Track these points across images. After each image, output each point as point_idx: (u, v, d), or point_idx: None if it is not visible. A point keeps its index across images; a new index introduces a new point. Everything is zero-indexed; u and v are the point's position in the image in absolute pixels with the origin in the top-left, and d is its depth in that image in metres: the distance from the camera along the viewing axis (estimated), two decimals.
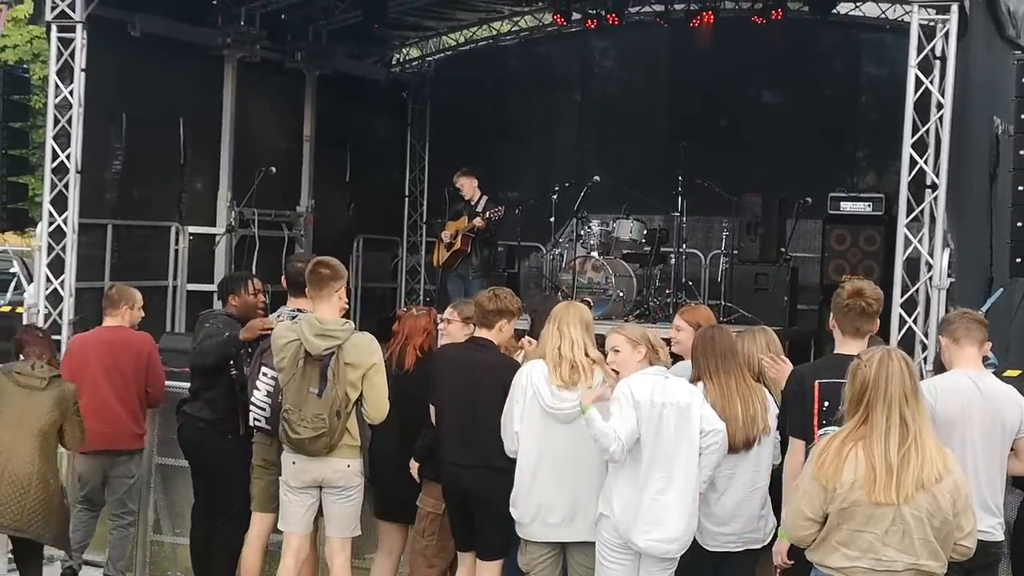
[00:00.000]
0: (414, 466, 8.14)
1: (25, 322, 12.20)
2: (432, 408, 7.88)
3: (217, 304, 13.34)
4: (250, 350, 8.53)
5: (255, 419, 8.36)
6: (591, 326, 7.50)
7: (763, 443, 7.17)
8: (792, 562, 6.87)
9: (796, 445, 6.86)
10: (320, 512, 8.05)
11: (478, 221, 14.41)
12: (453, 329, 8.27)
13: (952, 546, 5.46)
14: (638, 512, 6.89)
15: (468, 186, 14.68)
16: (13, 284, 15.02)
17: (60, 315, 12.33)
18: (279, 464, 8.17)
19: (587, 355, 7.32)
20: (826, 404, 6.66)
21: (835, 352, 6.92)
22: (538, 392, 7.30)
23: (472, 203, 14.67)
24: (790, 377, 7.11)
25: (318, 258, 8.11)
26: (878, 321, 7.02)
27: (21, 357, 8.39)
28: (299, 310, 8.42)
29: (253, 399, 8.33)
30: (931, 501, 5.34)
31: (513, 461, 7.48)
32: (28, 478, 7.96)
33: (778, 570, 7.06)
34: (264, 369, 8.24)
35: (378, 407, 7.78)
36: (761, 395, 7.24)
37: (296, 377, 7.72)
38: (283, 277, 8.88)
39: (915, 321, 10.27)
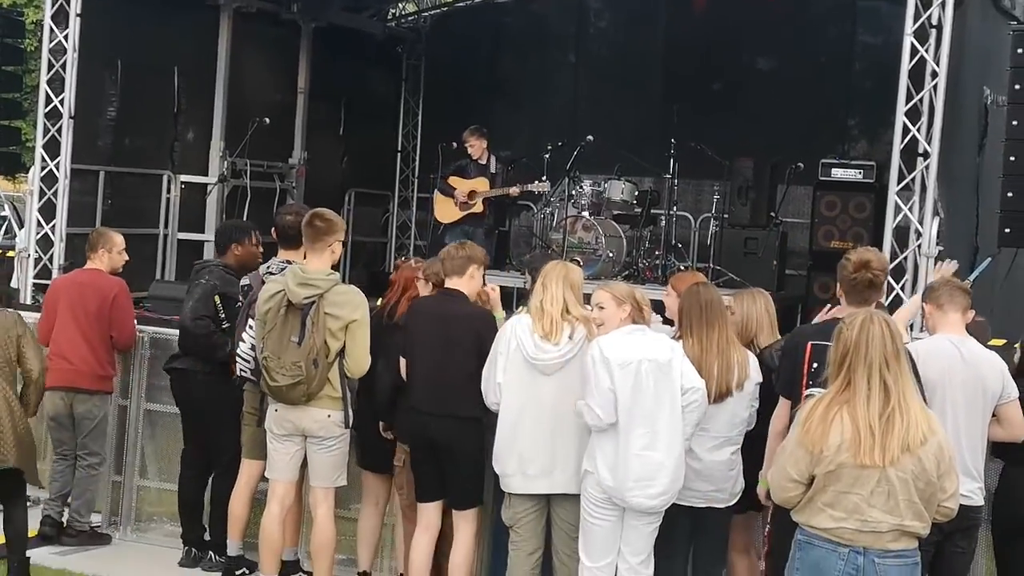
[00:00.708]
0: (384, 428, 8.19)
1: (32, 267, 12.22)
2: (403, 361, 7.90)
3: (208, 253, 13.46)
4: (241, 300, 8.58)
5: (241, 369, 8.44)
6: (576, 286, 7.51)
7: (737, 399, 7.23)
8: (768, 523, 6.97)
9: (784, 403, 6.94)
10: (305, 462, 8.12)
11: (514, 190, 14.44)
12: (420, 286, 8.27)
13: (936, 507, 5.53)
14: (624, 469, 6.96)
15: (477, 145, 14.62)
16: (3, 228, 15.02)
17: (51, 260, 12.36)
18: None
19: (568, 311, 7.36)
20: (815, 366, 6.70)
21: (835, 316, 6.95)
22: (521, 343, 7.35)
23: (483, 163, 14.64)
24: (788, 338, 7.19)
25: (315, 210, 8.11)
26: (883, 290, 7.06)
27: None
28: (288, 262, 8.44)
29: (239, 350, 8.40)
30: (916, 463, 5.41)
31: (483, 410, 7.57)
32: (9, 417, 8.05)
33: (767, 527, 7.13)
34: (251, 321, 8.28)
35: (359, 361, 7.81)
36: (742, 355, 7.30)
37: (277, 326, 7.77)
38: (273, 228, 8.88)
39: (903, 288, 10.34)
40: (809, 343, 6.80)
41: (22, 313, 8.73)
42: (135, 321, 9.69)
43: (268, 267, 8.56)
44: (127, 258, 9.78)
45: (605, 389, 6.98)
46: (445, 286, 7.91)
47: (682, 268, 14.51)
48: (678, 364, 7.01)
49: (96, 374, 9.31)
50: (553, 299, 7.38)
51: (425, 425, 7.71)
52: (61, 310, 9.33)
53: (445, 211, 14.86)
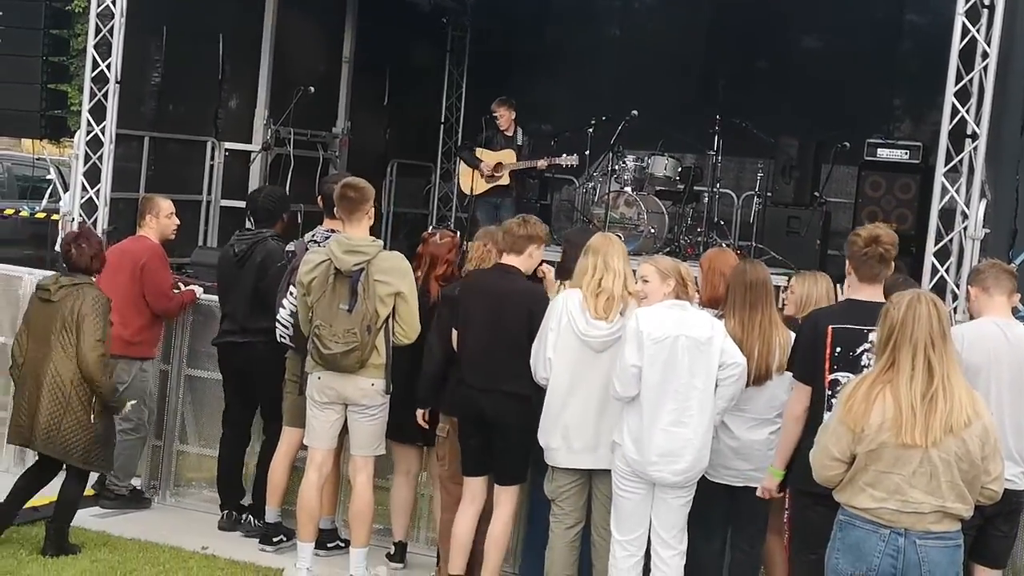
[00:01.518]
0: (420, 415, 8.19)
1: (62, 229, 12.24)
2: (455, 332, 7.90)
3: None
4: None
5: (280, 336, 8.49)
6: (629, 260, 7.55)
7: (777, 382, 7.21)
8: (786, 508, 6.95)
9: (801, 390, 6.85)
10: (345, 430, 8.14)
11: (542, 163, 14.42)
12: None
13: (979, 489, 5.50)
14: (648, 442, 6.96)
15: (506, 116, 14.65)
16: (49, 191, 15.07)
17: (95, 224, 12.39)
18: None
19: (626, 288, 7.36)
20: (838, 350, 6.66)
21: (850, 297, 6.91)
22: (573, 320, 7.34)
23: (510, 135, 14.63)
24: (804, 321, 7.13)
25: (345, 180, 8.15)
26: (893, 264, 7.01)
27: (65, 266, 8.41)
28: (332, 231, 8.48)
29: (279, 316, 8.43)
30: (959, 444, 5.38)
31: (534, 387, 7.57)
32: (64, 391, 8.11)
33: (785, 514, 7.11)
34: (292, 288, 8.31)
35: (411, 326, 7.86)
36: (784, 337, 7.27)
37: (326, 294, 7.80)
38: (319, 197, 8.90)
39: (947, 271, 10.26)
40: (830, 326, 6.73)
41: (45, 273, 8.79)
42: (171, 284, 9.67)
43: (313, 235, 8.60)
44: (177, 222, 9.84)
45: (628, 365, 6.99)
46: (501, 261, 7.89)
47: (724, 245, 14.44)
48: (719, 342, 6.98)
49: (123, 340, 9.27)
50: (615, 275, 7.37)
51: (475, 400, 7.71)
52: (105, 277, 9.38)
53: (471, 182, 14.87)
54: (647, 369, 6.96)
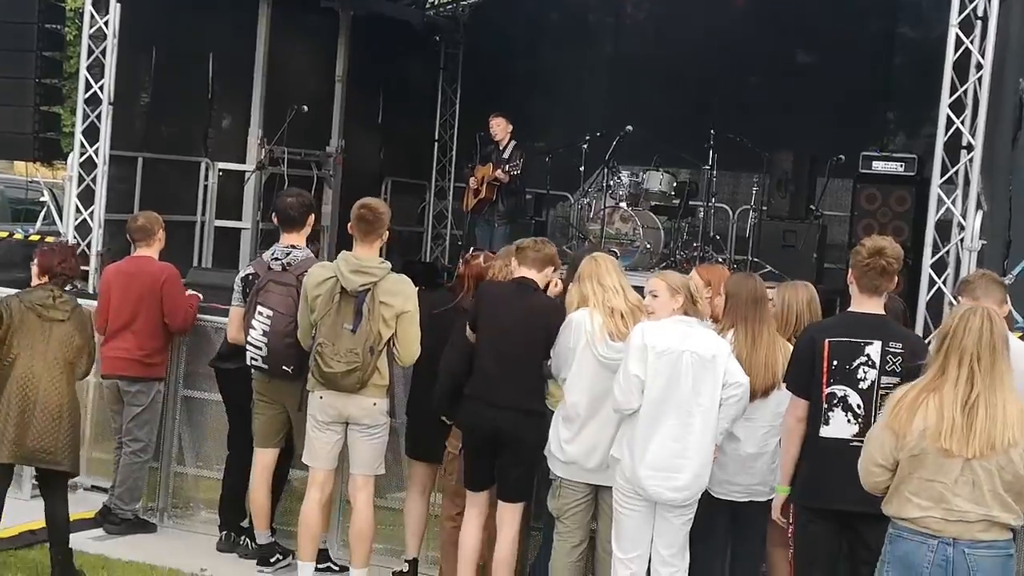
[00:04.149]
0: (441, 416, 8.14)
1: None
2: (472, 335, 7.79)
3: (245, 241, 13.45)
4: (246, 290, 8.52)
5: (252, 358, 8.36)
6: (622, 270, 7.55)
7: (782, 391, 7.17)
8: (790, 522, 6.91)
9: (796, 402, 6.79)
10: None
11: (499, 173, 14.39)
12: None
13: None
14: (644, 456, 6.92)
15: (500, 129, 14.64)
16: (43, 214, 15.03)
17: (88, 246, 12.37)
18: (280, 400, 8.36)
19: (627, 300, 7.34)
20: (835, 363, 6.61)
21: (850, 310, 6.87)
22: (592, 342, 7.30)
23: (500, 148, 14.63)
24: (801, 334, 7.09)
25: (363, 201, 8.08)
26: (896, 278, 6.99)
27: (43, 279, 8.16)
28: (292, 246, 8.44)
29: (249, 338, 8.32)
30: (1006, 461, 5.33)
31: (546, 404, 7.55)
32: (59, 409, 7.94)
33: (789, 528, 7.07)
34: (260, 308, 8.25)
35: (409, 350, 7.81)
36: (785, 347, 7.25)
37: (331, 313, 7.75)
38: (272, 213, 8.82)
39: (944, 282, 10.25)
40: (826, 340, 6.68)
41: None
42: (189, 303, 9.63)
43: (273, 252, 8.52)
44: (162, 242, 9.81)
45: (631, 375, 6.95)
46: (519, 275, 7.84)
47: (719, 260, 14.43)
48: (723, 360, 6.94)
49: (141, 361, 9.26)
50: (615, 291, 7.38)
51: (490, 416, 7.63)
52: (114, 299, 9.33)
53: (466, 201, 14.99)
54: (650, 382, 6.92)
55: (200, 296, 9.81)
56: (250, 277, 8.56)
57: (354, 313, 7.72)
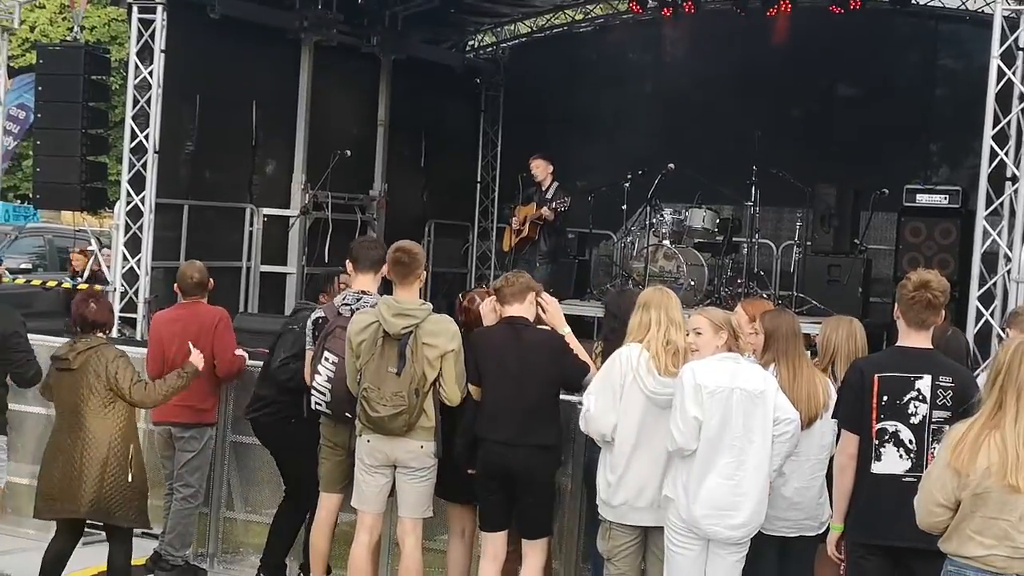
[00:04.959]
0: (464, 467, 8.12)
1: (119, 301, 12.25)
2: (470, 387, 7.80)
3: (291, 285, 13.53)
4: (316, 333, 8.55)
5: (316, 403, 8.34)
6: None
7: (823, 422, 7.15)
8: (842, 559, 6.87)
9: (848, 438, 6.74)
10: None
11: (545, 211, 14.38)
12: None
13: None
14: (705, 498, 6.88)
15: (542, 170, 14.63)
16: (91, 262, 15.17)
17: (136, 293, 12.46)
18: (346, 445, 8.28)
19: (686, 338, 7.33)
20: (885, 399, 6.57)
21: (898, 344, 6.84)
22: (639, 378, 7.27)
23: (543, 189, 14.65)
24: (849, 369, 7.06)
25: (398, 244, 8.08)
26: (944, 312, 6.95)
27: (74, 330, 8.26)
28: (364, 292, 8.45)
29: (314, 383, 8.32)
30: None
31: (560, 436, 7.62)
32: (82, 460, 7.95)
33: (842, 565, 7.02)
34: (327, 354, 8.23)
35: (455, 389, 7.79)
36: (822, 378, 7.25)
37: (375, 357, 7.75)
38: (348, 261, 8.85)
39: (992, 315, 10.20)
40: (876, 375, 6.65)
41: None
42: (237, 348, 9.67)
43: (344, 298, 8.55)
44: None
45: (690, 417, 6.90)
46: (507, 314, 7.87)
47: (764, 296, 14.40)
48: (772, 395, 6.92)
49: (193, 407, 9.27)
50: (679, 327, 7.33)
51: (501, 455, 7.62)
52: (165, 345, 9.36)
53: (507, 240, 15.02)
54: (705, 423, 6.89)
55: (246, 357, 9.83)
56: (320, 321, 8.59)
57: (398, 356, 7.71)
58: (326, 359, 8.22)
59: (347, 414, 8.14)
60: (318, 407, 8.33)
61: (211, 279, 9.62)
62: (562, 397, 7.85)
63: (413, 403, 7.62)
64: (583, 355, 7.83)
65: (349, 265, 8.67)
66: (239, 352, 9.69)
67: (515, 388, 7.63)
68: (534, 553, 7.74)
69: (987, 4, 13.97)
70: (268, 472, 9.54)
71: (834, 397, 7.17)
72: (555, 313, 8.07)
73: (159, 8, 12.50)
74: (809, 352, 7.60)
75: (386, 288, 8.23)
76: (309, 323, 8.62)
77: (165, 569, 9.39)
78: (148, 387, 8.24)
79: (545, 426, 7.59)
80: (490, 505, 7.79)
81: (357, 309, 8.24)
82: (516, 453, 7.59)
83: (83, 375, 8.06)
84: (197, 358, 8.53)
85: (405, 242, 8.14)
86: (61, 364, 8.13)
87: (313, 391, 8.31)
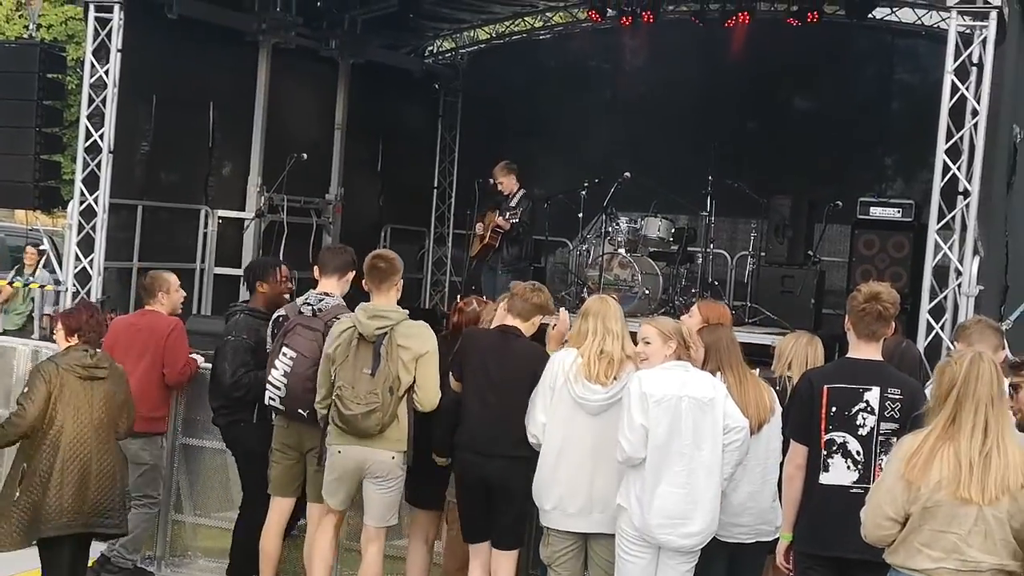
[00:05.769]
0: (440, 460, 8.12)
1: (70, 301, 12.12)
2: (452, 380, 7.84)
3: (242, 291, 13.45)
4: (275, 332, 8.55)
5: (270, 398, 8.35)
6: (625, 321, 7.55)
7: (770, 426, 7.21)
8: (790, 569, 6.90)
9: (796, 449, 6.82)
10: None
11: (502, 221, 14.38)
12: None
13: None
14: (655, 505, 6.90)
15: (505, 182, 14.57)
16: (42, 262, 15.07)
17: (88, 294, 12.38)
18: (299, 447, 8.33)
19: (623, 348, 7.35)
20: (833, 409, 6.63)
21: (848, 356, 6.88)
22: (569, 382, 7.31)
23: (507, 196, 14.62)
24: (799, 380, 7.11)
25: (376, 252, 8.18)
26: (893, 324, 7.00)
27: (72, 339, 8.05)
28: (326, 294, 8.46)
29: (270, 377, 8.33)
30: (1012, 503, 5.35)
31: (536, 450, 7.52)
32: (113, 472, 7.94)
33: (790, 575, 7.05)
34: (285, 349, 8.26)
35: (429, 393, 7.80)
36: (764, 385, 7.38)
37: (349, 359, 7.78)
38: (315, 265, 8.86)
39: (942, 328, 10.26)
40: (825, 386, 6.71)
41: (40, 344, 8.64)
42: (188, 359, 9.62)
43: (306, 298, 8.55)
44: (184, 294, 9.85)
45: (637, 425, 6.93)
46: (505, 323, 7.88)
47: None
48: (721, 402, 6.95)
49: (145, 417, 9.18)
50: (615, 337, 7.36)
51: (479, 466, 7.67)
52: (118, 354, 9.28)
53: (473, 245, 14.99)
54: (652, 431, 6.91)
55: (199, 361, 9.79)
56: (280, 319, 8.59)
57: (372, 357, 7.74)
58: (284, 355, 8.26)
59: (300, 411, 8.15)
60: (271, 402, 8.34)
61: (169, 286, 9.57)
62: None
63: (387, 401, 7.64)
64: None
65: (316, 271, 8.71)
66: (193, 356, 9.68)
67: (493, 395, 7.68)
68: (507, 563, 7.77)
69: (942, 20, 14.05)
70: (219, 476, 9.51)
71: (776, 401, 7.26)
72: (556, 337, 8.13)
73: (116, 7, 12.40)
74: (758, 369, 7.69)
75: (363, 298, 8.20)
76: (270, 324, 8.64)
77: (113, 572, 9.37)
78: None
79: (521, 437, 7.56)
80: (472, 515, 7.82)
81: (319, 309, 8.29)
82: (494, 464, 7.62)
83: (103, 389, 7.98)
84: None
85: (383, 250, 8.33)
86: (88, 372, 7.92)
87: (268, 386, 8.32)
